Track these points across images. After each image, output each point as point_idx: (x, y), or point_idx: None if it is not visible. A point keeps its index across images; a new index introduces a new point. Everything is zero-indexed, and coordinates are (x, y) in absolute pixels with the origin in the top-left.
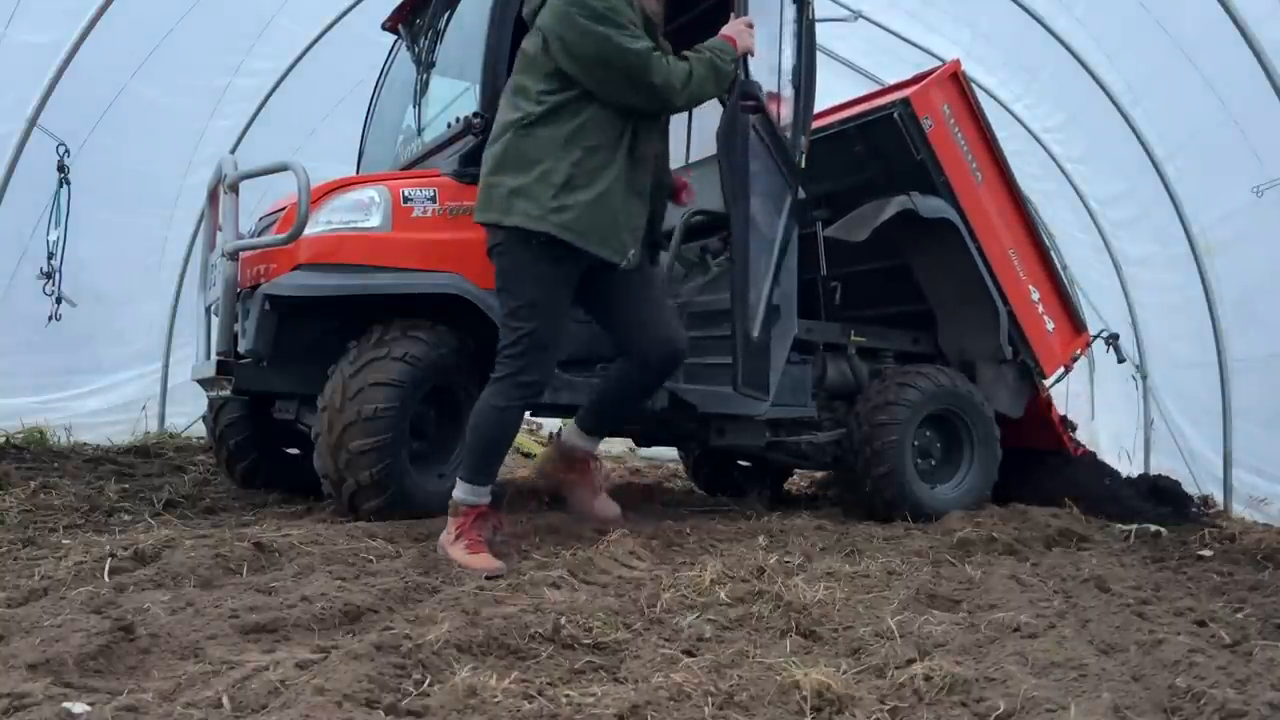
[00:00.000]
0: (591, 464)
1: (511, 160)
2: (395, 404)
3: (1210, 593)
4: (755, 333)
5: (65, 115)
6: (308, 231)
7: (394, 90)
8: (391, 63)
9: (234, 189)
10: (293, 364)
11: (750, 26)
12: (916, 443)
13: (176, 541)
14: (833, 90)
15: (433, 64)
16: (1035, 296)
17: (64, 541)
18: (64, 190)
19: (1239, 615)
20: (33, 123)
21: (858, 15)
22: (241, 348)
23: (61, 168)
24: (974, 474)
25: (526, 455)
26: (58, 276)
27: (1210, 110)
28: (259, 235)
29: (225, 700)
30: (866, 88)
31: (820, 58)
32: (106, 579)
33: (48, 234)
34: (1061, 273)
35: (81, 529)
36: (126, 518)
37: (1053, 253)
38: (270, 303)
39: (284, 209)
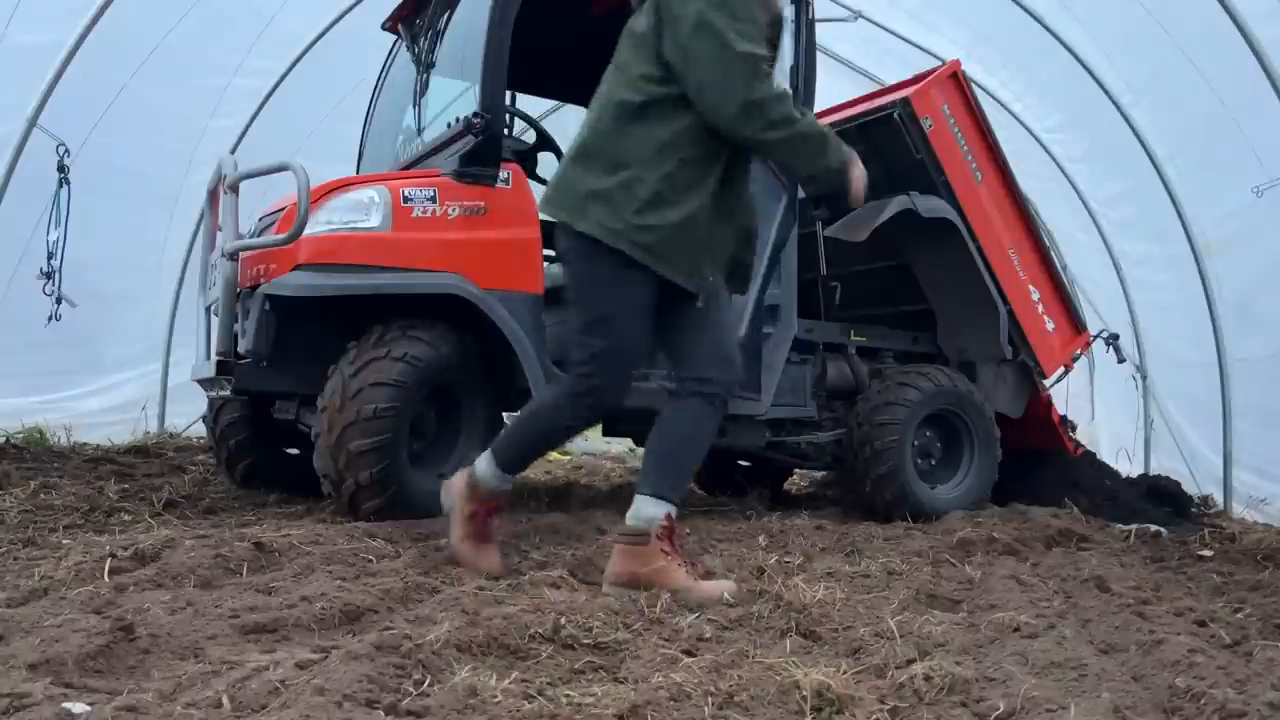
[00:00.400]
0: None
1: (597, 154)
2: (395, 404)
3: (1210, 593)
4: (741, 333)
5: (65, 115)
6: (308, 231)
7: (394, 90)
8: (391, 63)
9: (234, 189)
10: (293, 364)
11: (863, 178)
12: (917, 443)
13: (176, 541)
14: (833, 90)
15: (433, 64)
16: (1035, 296)
17: (64, 541)
18: (64, 190)
19: (1239, 615)
20: (33, 123)
21: (858, 15)
22: (241, 348)
23: (61, 168)
24: (974, 474)
25: None
26: (58, 276)
27: (1210, 110)
28: (259, 235)
29: (225, 700)
30: (866, 88)
31: (820, 58)
32: (106, 579)
33: (48, 234)
34: (1061, 273)
35: (81, 529)
36: (126, 518)
37: (1053, 253)
38: (270, 303)
39: (284, 209)
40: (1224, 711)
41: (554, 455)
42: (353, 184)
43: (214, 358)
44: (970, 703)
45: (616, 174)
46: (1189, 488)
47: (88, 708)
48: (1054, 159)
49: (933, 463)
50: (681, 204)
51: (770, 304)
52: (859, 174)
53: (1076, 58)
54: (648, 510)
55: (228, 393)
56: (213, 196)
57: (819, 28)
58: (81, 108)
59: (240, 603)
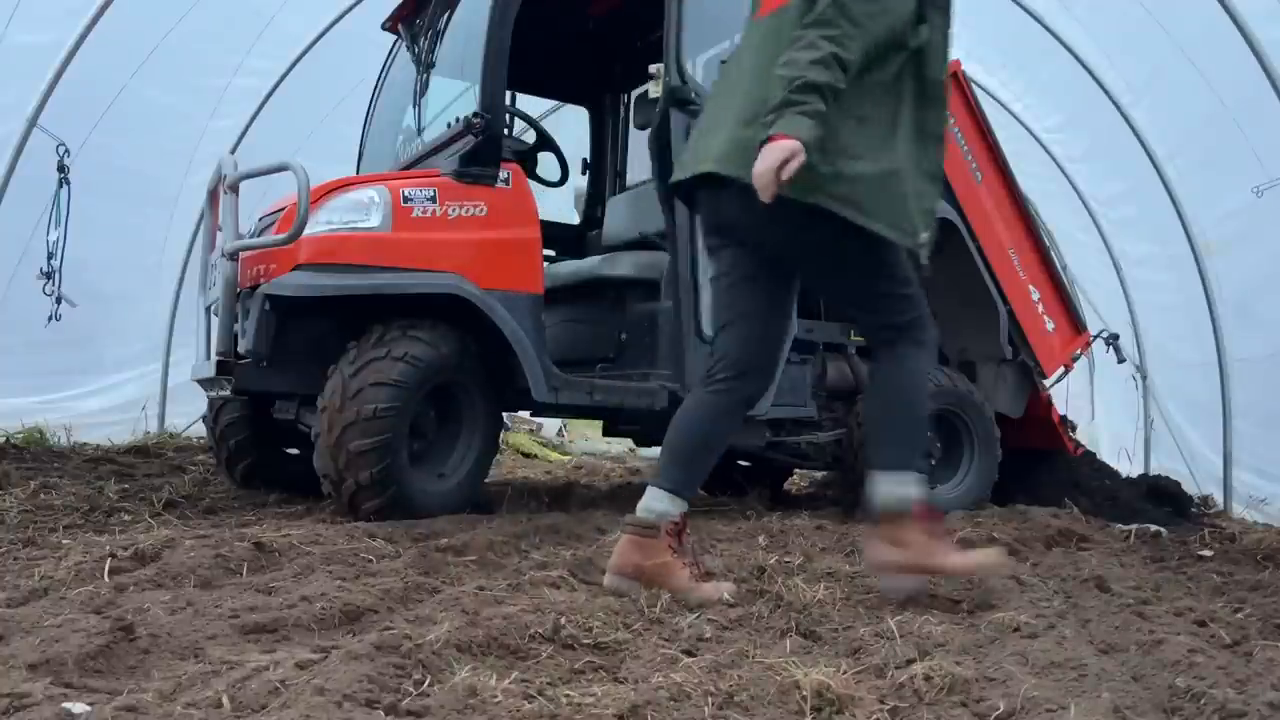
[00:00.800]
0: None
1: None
2: (395, 404)
3: (1210, 593)
4: (709, 332)
5: (65, 115)
6: (308, 231)
7: (394, 90)
8: (391, 63)
9: (234, 189)
10: (293, 364)
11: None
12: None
13: (176, 541)
14: None
15: (433, 64)
16: (1035, 296)
17: (64, 541)
18: (64, 190)
19: (1239, 615)
20: (33, 123)
21: None
22: (241, 348)
23: (61, 168)
24: (974, 474)
25: (527, 455)
26: (58, 276)
27: (1210, 110)
28: (259, 235)
29: (225, 700)
30: None
31: None
32: (106, 579)
33: (48, 234)
34: (1061, 273)
35: (81, 529)
36: (126, 518)
37: (1053, 253)
38: (270, 303)
39: (284, 209)
40: (1224, 711)
41: (554, 455)
42: (353, 184)
43: (214, 358)
44: (970, 703)
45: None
46: (1189, 488)
47: (88, 708)
48: (1054, 159)
49: (932, 463)
50: (875, 159)
51: None
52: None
53: (1076, 58)
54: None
55: (228, 393)
56: (213, 196)
57: None
58: (81, 108)
59: (240, 603)
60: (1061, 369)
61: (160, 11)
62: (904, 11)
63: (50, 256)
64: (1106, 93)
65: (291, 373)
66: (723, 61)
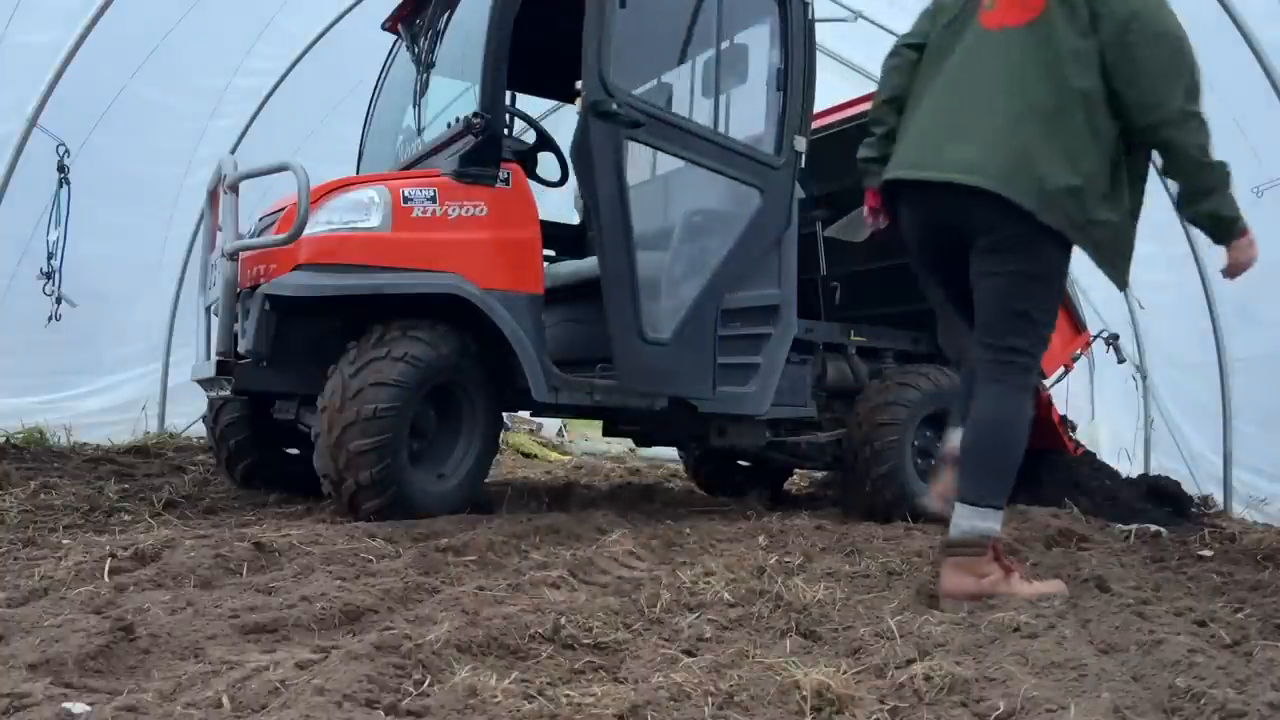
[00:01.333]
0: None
1: (1060, 139)
2: (396, 404)
3: (1210, 593)
4: (649, 333)
5: (65, 115)
6: (308, 231)
7: (394, 90)
8: (391, 63)
9: (234, 189)
10: (293, 364)
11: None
12: (916, 443)
13: (176, 541)
14: (833, 90)
15: (432, 64)
16: None
17: (64, 541)
18: (64, 190)
19: (1239, 615)
20: (33, 123)
21: (858, 15)
22: (241, 348)
23: (61, 168)
24: None
25: (527, 455)
26: (58, 276)
27: (1210, 110)
28: (259, 235)
29: (225, 700)
30: (867, 88)
31: (820, 58)
32: (106, 579)
33: (48, 234)
34: None
35: (81, 529)
36: (126, 518)
37: None
38: (270, 303)
39: (284, 209)
40: (1224, 711)
41: (554, 455)
42: (353, 184)
43: (214, 358)
44: (970, 703)
45: (1078, 165)
46: (1189, 488)
47: (88, 708)
48: None
49: (933, 463)
50: (1121, 201)
51: (770, 304)
52: (1246, 254)
53: None
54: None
55: (228, 393)
56: (213, 197)
57: (819, 28)
58: (81, 108)
59: (240, 603)
60: (1061, 369)
61: (160, 11)
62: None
63: (50, 256)
64: None
65: (291, 373)
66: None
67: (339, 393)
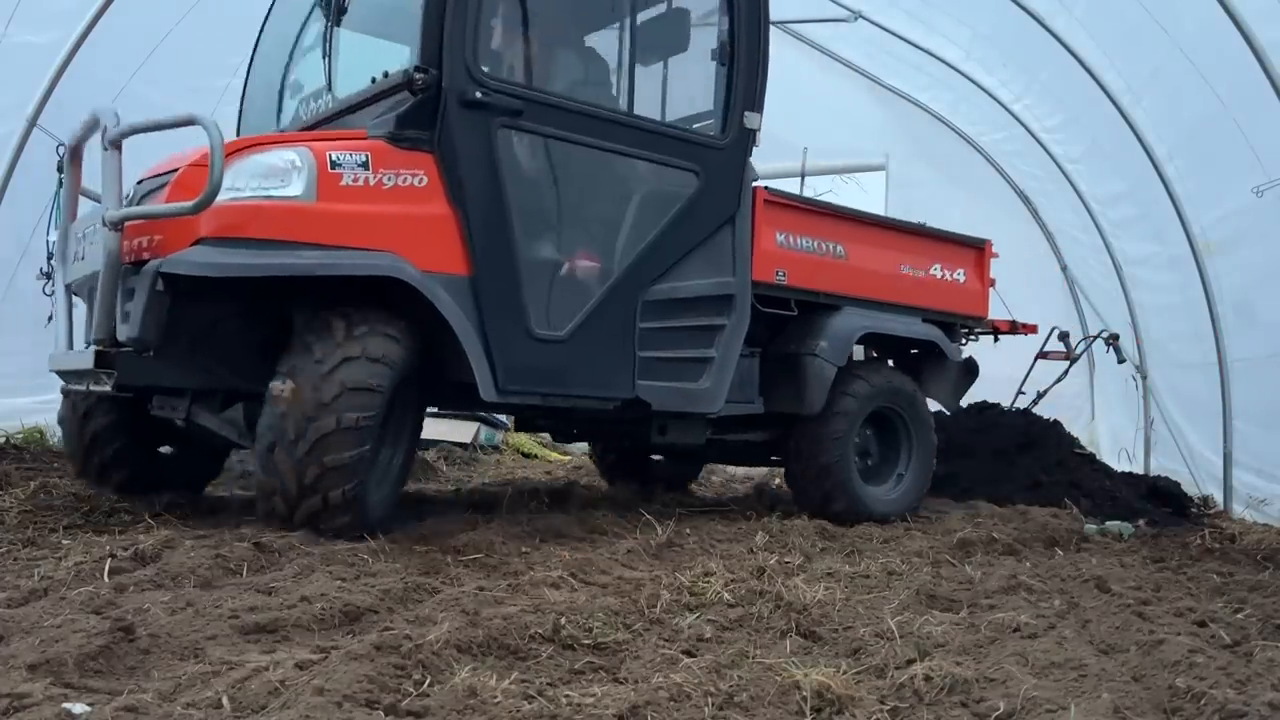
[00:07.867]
0: None
1: None
2: (375, 412)
3: (1210, 593)
4: (539, 330)
5: (65, 115)
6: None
7: (282, 43)
8: (272, 11)
9: (116, 145)
10: (181, 355)
11: None
12: (858, 440)
13: (176, 541)
14: (834, 90)
15: (343, 9)
16: (937, 272)
17: (64, 541)
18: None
19: (1239, 615)
20: (33, 123)
21: (858, 15)
22: (122, 335)
23: (61, 168)
24: (912, 474)
25: (527, 455)
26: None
27: (1210, 110)
28: (139, 202)
29: (225, 700)
30: (867, 87)
31: (820, 58)
32: (106, 579)
33: (48, 234)
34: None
35: (81, 529)
36: (126, 518)
37: (1052, 252)
38: (164, 282)
39: (172, 170)
40: (1224, 711)
41: (554, 455)
42: (265, 144)
43: (91, 347)
44: (970, 703)
45: None
46: (1189, 488)
47: (88, 708)
48: (1054, 159)
49: (870, 462)
50: None
51: (723, 293)
52: None
53: (1076, 58)
54: None
55: (107, 388)
56: (74, 153)
57: (819, 28)
58: (81, 108)
59: (240, 603)
60: (1011, 323)
61: (160, 11)
62: None
63: (50, 257)
64: (1106, 93)
65: (181, 365)
66: None
67: (310, 397)
